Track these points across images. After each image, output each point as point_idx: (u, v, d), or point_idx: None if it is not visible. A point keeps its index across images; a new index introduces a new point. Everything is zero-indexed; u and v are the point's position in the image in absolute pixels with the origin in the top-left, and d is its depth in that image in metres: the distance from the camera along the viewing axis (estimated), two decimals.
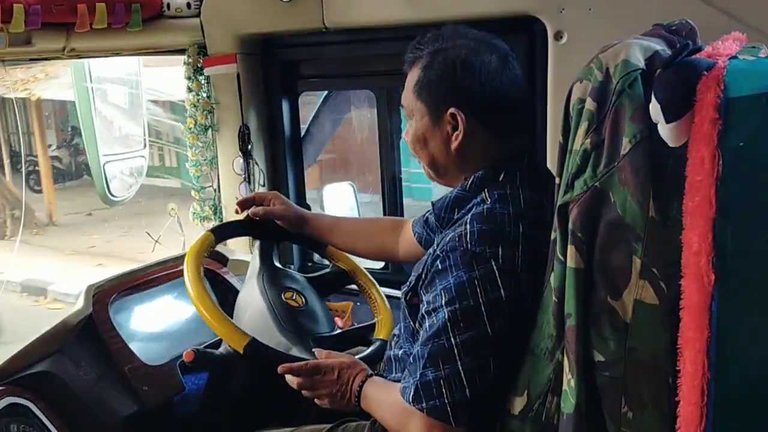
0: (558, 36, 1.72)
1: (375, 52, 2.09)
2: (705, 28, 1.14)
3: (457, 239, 1.18)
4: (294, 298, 1.61)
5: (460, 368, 1.12)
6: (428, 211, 1.47)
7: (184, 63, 2.31)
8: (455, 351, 1.13)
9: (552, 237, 1.12)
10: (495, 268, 1.13)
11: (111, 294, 1.73)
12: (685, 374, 0.89)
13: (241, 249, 2.25)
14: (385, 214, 2.30)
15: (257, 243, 1.72)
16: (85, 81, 2.73)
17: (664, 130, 0.81)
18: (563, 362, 1.04)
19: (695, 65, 0.77)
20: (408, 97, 1.32)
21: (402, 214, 2.31)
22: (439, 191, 1.43)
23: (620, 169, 0.99)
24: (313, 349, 1.44)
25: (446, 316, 1.13)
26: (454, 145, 1.27)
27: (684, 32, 1.15)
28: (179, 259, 1.93)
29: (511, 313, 1.13)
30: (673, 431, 0.93)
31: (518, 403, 1.11)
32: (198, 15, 2.25)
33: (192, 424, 1.68)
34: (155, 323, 1.85)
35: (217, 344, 1.62)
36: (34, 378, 1.50)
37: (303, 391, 1.37)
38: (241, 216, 1.73)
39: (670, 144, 0.83)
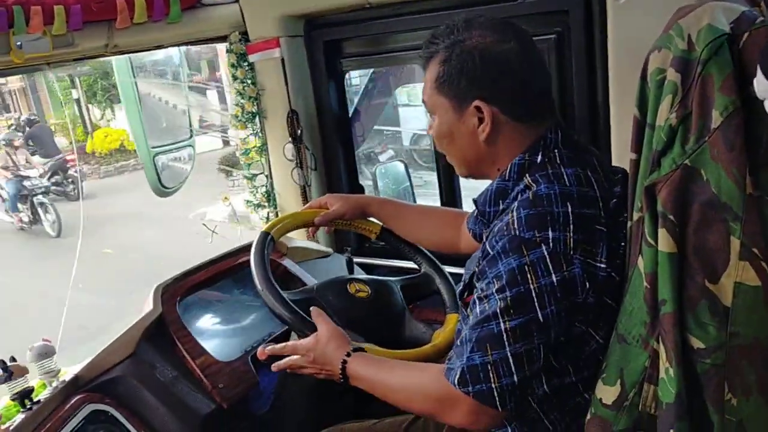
0: None
1: (419, 25, 2.01)
2: None
3: (505, 228, 1.15)
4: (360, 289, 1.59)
5: (509, 354, 1.10)
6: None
7: (227, 51, 2.28)
8: (504, 336, 1.10)
9: (635, 217, 1.07)
10: (546, 252, 1.10)
11: (179, 293, 1.73)
12: None
13: (299, 236, 2.23)
14: (441, 197, 2.25)
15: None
16: (129, 76, 2.72)
17: None
18: (659, 350, 1.00)
19: None
20: (429, 93, 1.28)
21: (460, 196, 2.26)
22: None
23: (712, 144, 0.93)
24: (311, 307, 1.40)
25: (497, 303, 1.11)
26: (482, 137, 1.24)
27: None
28: (241, 251, 1.94)
29: (563, 297, 1.10)
30: None
31: (611, 393, 1.07)
32: (237, 0, 2.21)
33: (268, 419, 1.69)
34: (223, 318, 1.86)
35: (286, 335, 1.62)
36: (112, 383, 1.52)
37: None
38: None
39: None
